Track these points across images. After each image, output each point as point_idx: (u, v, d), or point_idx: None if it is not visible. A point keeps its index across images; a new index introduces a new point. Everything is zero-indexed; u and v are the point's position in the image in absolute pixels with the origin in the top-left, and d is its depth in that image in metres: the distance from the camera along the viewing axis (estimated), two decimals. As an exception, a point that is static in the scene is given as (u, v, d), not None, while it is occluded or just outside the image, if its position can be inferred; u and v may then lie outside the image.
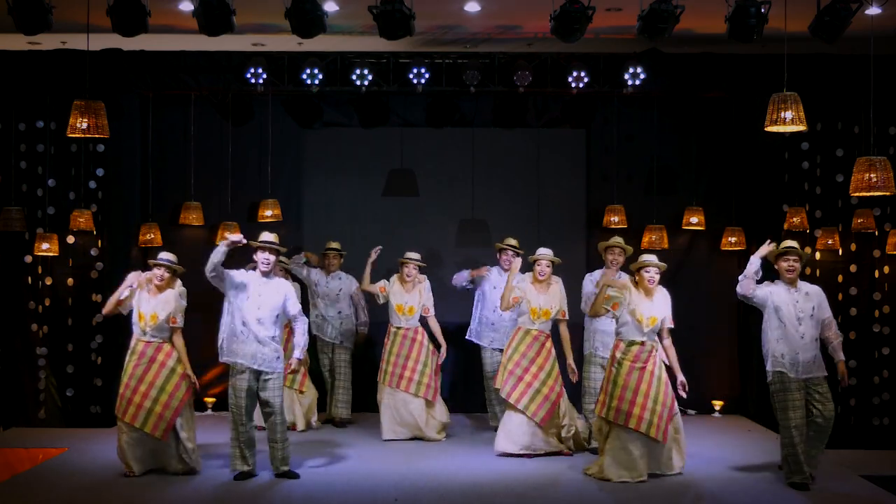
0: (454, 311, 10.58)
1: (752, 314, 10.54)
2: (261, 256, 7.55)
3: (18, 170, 10.08)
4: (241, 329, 7.40)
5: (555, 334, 8.54)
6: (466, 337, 9.60)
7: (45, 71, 9.92)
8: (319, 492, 7.25)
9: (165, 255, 7.86)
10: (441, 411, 9.22)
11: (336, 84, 10.13)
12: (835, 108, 10.00)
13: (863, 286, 9.93)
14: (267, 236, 7.61)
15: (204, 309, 9.00)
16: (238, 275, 7.52)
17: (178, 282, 7.84)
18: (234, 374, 7.46)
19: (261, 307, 7.44)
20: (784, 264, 7.50)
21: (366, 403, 10.16)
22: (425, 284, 9.36)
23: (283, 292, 7.58)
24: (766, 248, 7.48)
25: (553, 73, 10.08)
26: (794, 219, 9.98)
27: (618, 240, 8.63)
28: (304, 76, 9.88)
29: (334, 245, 10.05)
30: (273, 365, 7.47)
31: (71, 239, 10.04)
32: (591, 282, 8.68)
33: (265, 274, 7.54)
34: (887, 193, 7.43)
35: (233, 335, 7.42)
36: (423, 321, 9.34)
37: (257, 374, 7.45)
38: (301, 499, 7.07)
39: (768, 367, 7.47)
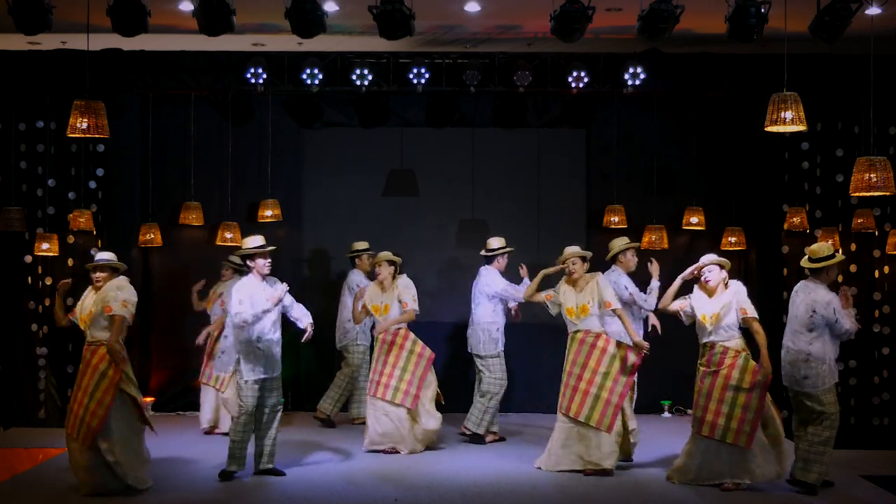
0: (451, 311, 10.60)
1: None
2: (260, 262, 7.56)
3: (18, 170, 10.09)
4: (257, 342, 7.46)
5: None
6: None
7: (45, 71, 9.92)
8: (319, 492, 7.25)
9: (101, 255, 7.57)
10: (427, 419, 8.60)
11: (336, 84, 10.13)
12: (835, 108, 10.01)
13: (863, 286, 9.94)
14: (257, 240, 7.58)
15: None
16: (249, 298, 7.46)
17: (120, 277, 7.36)
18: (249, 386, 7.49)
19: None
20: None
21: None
22: (401, 281, 8.70)
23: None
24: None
25: (553, 73, 10.08)
26: (794, 219, 9.99)
27: (625, 240, 8.60)
28: (304, 76, 9.88)
29: (362, 245, 9.92)
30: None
31: (71, 239, 10.05)
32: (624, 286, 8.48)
33: (265, 278, 7.60)
34: (887, 193, 7.42)
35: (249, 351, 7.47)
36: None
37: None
38: (300, 499, 7.07)
39: (835, 377, 7.24)
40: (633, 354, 7.77)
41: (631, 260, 8.56)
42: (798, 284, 7.42)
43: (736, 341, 7.30)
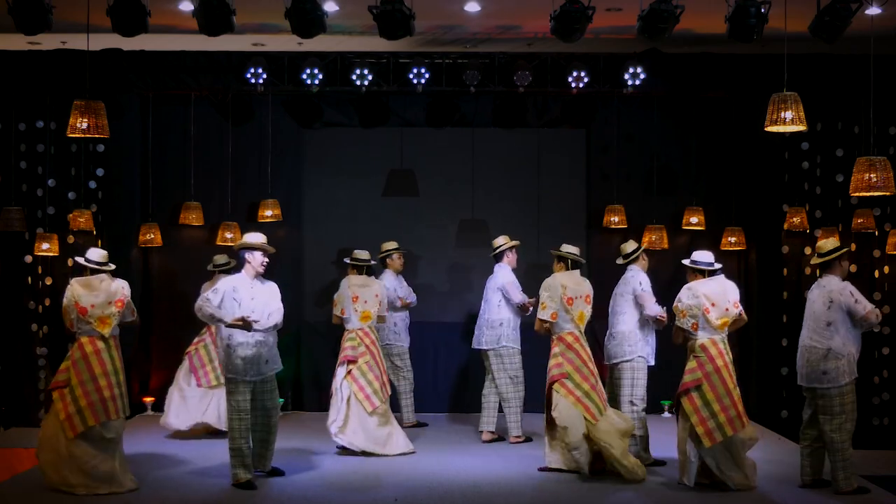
0: (451, 311, 10.61)
1: (751, 315, 10.57)
2: (258, 257, 7.37)
3: (18, 170, 10.10)
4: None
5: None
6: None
7: (45, 71, 9.93)
8: (319, 492, 7.25)
9: (91, 253, 7.46)
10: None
11: (336, 84, 10.14)
12: (835, 108, 10.01)
13: (863, 286, 9.91)
14: (258, 237, 7.45)
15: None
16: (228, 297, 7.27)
17: (73, 279, 7.38)
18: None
19: (255, 311, 7.26)
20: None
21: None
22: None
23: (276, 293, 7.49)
24: None
25: (553, 73, 10.08)
26: (794, 219, 9.99)
27: (634, 244, 8.56)
28: (304, 76, 9.88)
29: (391, 245, 9.87)
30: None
31: (71, 239, 10.06)
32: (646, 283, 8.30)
33: (257, 276, 7.42)
34: (887, 193, 7.43)
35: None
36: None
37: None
38: (300, 499, 7.07)
39: (853, 373, 7.15)
40: (557, 369, 7.65)
41: (646, 261, 8.53)
42: (813, 284, 7.41)
43: (692, 342, 7.27)
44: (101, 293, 7.21)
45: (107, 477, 7.08)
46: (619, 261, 8.45)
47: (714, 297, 7.24)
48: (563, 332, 7.78)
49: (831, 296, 7.11)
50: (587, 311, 7.90)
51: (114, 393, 7.18)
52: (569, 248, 8.06)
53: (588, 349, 7.84)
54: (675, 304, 7.37)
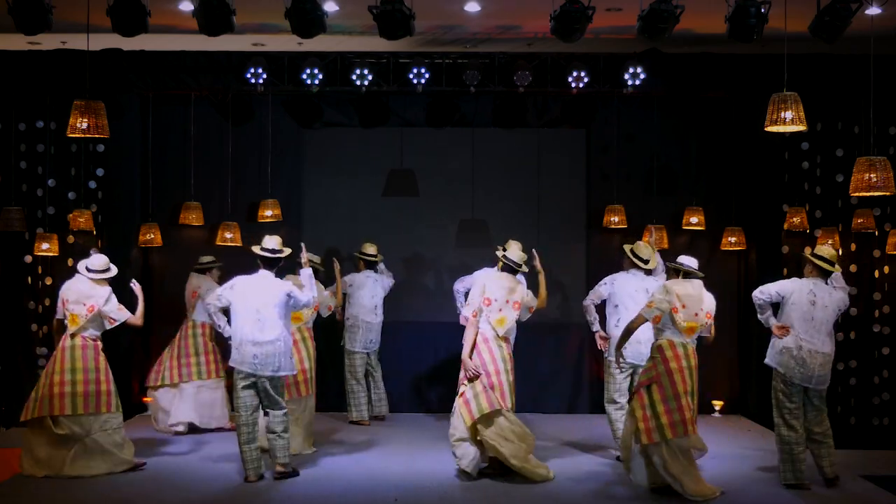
0: (451, 312, 10.58)
1: (752, 316, 10.57)
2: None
3: (18, 170, 10.09)
4: None
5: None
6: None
7: (45, 71, 9.92)
8: (319, 492, 7.25)
9: (93, 259, 7.86)
10: None
11: (336, 84, 10.13)
12: (835, 108, 10.00)
13: (863, 286, 9.93)
14: (271, 242, 7.78)
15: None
16: None
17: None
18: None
19: None
20: None
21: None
22: None
23: None
24: None
25: (553, 73, 10.08)
26: (794, 219, 9.98)
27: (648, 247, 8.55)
28: (304, 76, 9.88)
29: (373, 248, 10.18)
30: None
31: (71, 239, 10.05)
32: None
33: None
34: (887, 193, 7.43)
35: None
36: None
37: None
38: (301, 499, 7.08)
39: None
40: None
41: None
42: (807, 285, 7.37)
43: (655, 342, 7.23)
44: (80, 291, 7.64)
45: (50, 462, 7.54)
46: (643, 265, 8.21)
47: (686, 300, 7.14)
48: (480, 331, 7.59)
49: (840, 304, 7.37)
50: (511, 316, 7.65)
51: (63, 391, 7.50)
52: (515, 253, 7.76)
53: (497, 350, 7.56)
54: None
